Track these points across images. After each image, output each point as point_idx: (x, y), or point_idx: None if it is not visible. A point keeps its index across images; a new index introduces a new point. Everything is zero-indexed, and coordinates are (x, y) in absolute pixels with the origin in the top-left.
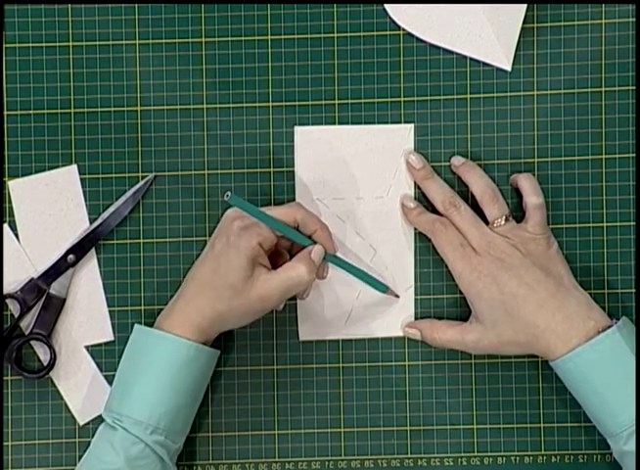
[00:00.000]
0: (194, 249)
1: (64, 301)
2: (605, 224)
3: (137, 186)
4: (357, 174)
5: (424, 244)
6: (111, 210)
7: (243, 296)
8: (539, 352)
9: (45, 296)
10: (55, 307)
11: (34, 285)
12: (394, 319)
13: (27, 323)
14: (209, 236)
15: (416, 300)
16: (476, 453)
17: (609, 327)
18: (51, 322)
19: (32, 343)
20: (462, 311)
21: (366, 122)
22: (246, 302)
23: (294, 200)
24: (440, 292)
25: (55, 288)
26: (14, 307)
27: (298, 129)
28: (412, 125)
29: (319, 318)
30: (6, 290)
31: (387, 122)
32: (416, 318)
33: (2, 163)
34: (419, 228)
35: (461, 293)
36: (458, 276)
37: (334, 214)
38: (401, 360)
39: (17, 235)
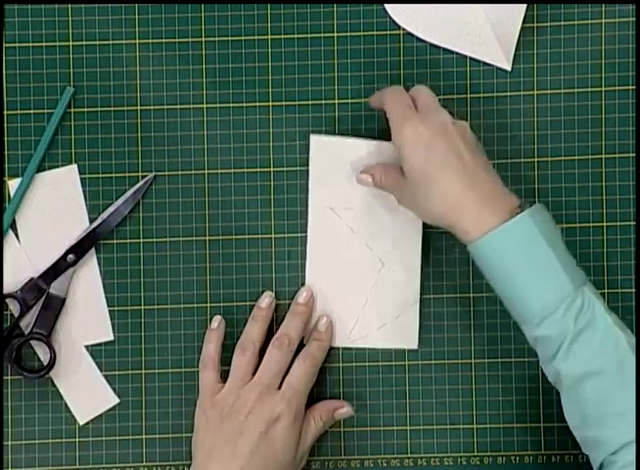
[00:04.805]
0: (194, 248)
1: (63, 300)
2: (605, 224)
3: (137, 186)
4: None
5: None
6: (110, 209)
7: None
8: (453, 229)
9: (45, 295)
10: (55, 307)
11: (34, 285)
12: (398, 334)
13: (27, 323)
14: (209, 235)
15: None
16: (475, 453)
17: (521, 212)
18: (51, 322)
19: (32, 342)
20: (462, 311)
21: (366, 122)
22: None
23: (294, 200)
24: (440, 292)
25: (55, 287)
26: (14, 307)
27: (314, 138)
28: None
29: None
30: (6, 289)
31: (386, 122)
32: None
33: (2, 162)
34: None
35: (461, 292)
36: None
37: (344, 224)
38: (401, 360)
39: (17, 235)
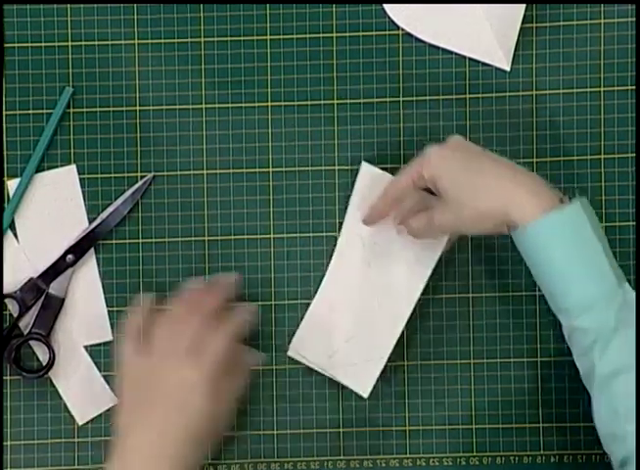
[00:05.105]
0: (193, 249)
1: (62, 300)
2: (604, 224)
3: (136, 186)
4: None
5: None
6: (110, 209)
7: None
8: (499, 221)
9: (44, 296)
10: (54, 307)
11: (33, 285)
12: (358, 376)
13: (26, 323)
14: (208, 235)
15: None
16: (474, 453)
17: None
18: (50, 322)
19: (31, 343)
20: (461, 312)
21: (365, 123)
22: None
23: (293, 200)
24: (439, 292)
25: (54, 288)
26: (13, 307)
27: (365, 167)
28: None
29: (312, 340)
30: (5, 290)
31: (384, 122)
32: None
33: (1, 163)
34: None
35: (460, 292)
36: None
37: (365, 257)
38: (400, 360)
39: (15, 235)
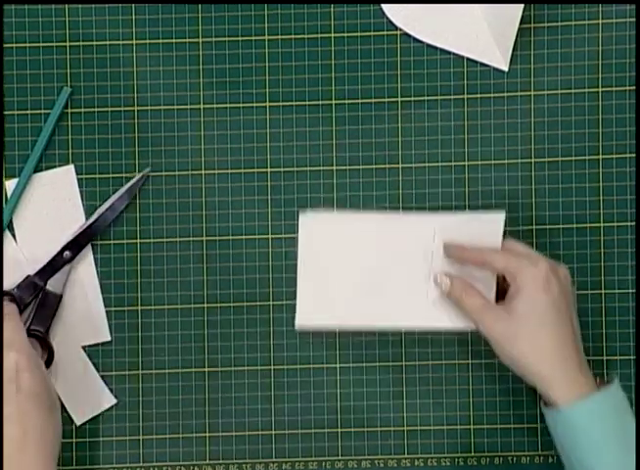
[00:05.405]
0: (191, 249)
1: (60, 297)
2: (602, 225)
3: (133, 181)
4: None
5: None
6: (106, 205)
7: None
8: (533, 384)
9: (41, 293)
10: (52, 304)
11: (30, 282)
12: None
13: (24, 320)
14: (206, 235)
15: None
16: (473, 454)
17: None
18: (48, 319)
19: (30, 340)
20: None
21: (363, 123)
22: None
23: (291, 200)
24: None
25: (51, 284)
26: None
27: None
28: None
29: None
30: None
31: (383, 123)
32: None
33: (0, 163)
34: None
35: None
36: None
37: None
38: (398, 361)
39: (14, 235)
